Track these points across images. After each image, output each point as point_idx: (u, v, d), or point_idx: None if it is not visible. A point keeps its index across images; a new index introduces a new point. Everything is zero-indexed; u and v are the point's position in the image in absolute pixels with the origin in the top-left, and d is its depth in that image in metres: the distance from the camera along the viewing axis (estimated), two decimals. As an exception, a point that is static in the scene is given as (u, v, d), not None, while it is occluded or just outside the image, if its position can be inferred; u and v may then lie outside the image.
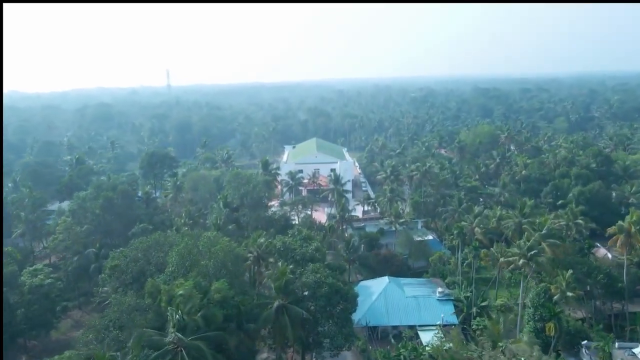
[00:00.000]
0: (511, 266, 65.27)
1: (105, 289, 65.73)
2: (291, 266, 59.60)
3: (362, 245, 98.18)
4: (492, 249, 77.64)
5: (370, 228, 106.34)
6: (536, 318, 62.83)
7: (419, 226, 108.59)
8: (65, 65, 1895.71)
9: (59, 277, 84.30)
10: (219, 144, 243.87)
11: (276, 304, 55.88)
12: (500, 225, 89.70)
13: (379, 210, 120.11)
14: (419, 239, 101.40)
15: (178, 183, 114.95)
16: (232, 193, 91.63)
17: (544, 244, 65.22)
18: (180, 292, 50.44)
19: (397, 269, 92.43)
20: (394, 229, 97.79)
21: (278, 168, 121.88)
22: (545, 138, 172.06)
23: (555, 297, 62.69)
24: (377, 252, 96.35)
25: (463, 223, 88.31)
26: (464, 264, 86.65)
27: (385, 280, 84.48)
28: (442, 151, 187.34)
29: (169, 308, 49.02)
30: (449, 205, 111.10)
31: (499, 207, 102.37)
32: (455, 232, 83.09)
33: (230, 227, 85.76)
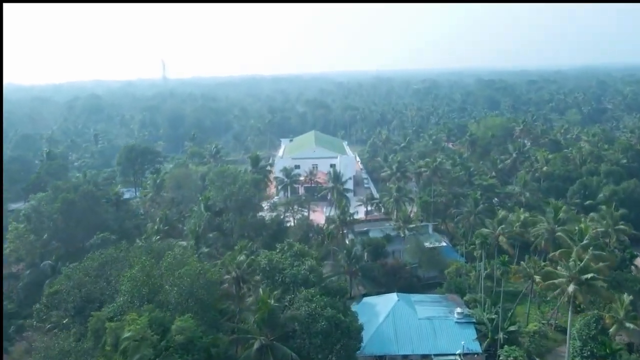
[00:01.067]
0: (557, 291, 52.44)
1: (55, 312, 53.18)
2: (277, 292, 46.97)
3: (366, 254, 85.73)
4: (523, 263, 65.04)
5: (375, 233, 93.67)
6: (585, 354, 50.44)
7: (430, 230, 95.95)
8: (63, 58, 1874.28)
9: (11, 290, 72.04)
10: (212, 138, 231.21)
11: (257, 343, 43.39)
12: (526, 231, 77.11)
13: (383, 211, 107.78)
14: (431, 245, 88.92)
15: (158, 181, 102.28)
16: (216, 194, 78.78)
17: (593, 263, 52.06)
18: (129, 334, 37.94)
19: (406, 282, 79.94)
20: (402, 235, 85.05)
21: (270, 164, 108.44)
22: (562, 131, 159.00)
23: (611, 330, 50.05)
24: (383, 261, 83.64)
25: (484, 230, 75.60)
26: (483, 275, 74.20)
27: (393, 297, 71.86)
28: (450, 145, 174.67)
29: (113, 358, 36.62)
30: (463, 206, 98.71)
31: (521, 209, 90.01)
32: (477, 241, 70.19)
33: (211, 234, 73.25)
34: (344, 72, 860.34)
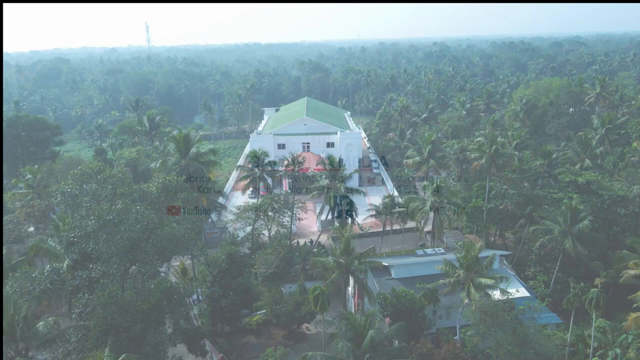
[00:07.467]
0: None
1: None
2: None
3: (388, 316, 45.62)
4: None
5: (401, 272, 53.12)
6: None
7: (496, 264, 55.17)
8: (55, 24, 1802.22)
9: None
10: (185, 108, 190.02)
11: None
12: None
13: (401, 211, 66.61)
14: (502, 296, 47.92)
15: (39, 176, 61.52)
16: (74, 224, 37.59)
17: None
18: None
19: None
20: (468, 300, 44.08)
21: (213, 152, 64.88)
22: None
23: None
24: (422, 339, 43.51)
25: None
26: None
27: None
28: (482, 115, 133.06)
29: None
30: (543, 221, 58.55)
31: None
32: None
33: (52, 319, 32.58)
34: (343, 41, 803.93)
